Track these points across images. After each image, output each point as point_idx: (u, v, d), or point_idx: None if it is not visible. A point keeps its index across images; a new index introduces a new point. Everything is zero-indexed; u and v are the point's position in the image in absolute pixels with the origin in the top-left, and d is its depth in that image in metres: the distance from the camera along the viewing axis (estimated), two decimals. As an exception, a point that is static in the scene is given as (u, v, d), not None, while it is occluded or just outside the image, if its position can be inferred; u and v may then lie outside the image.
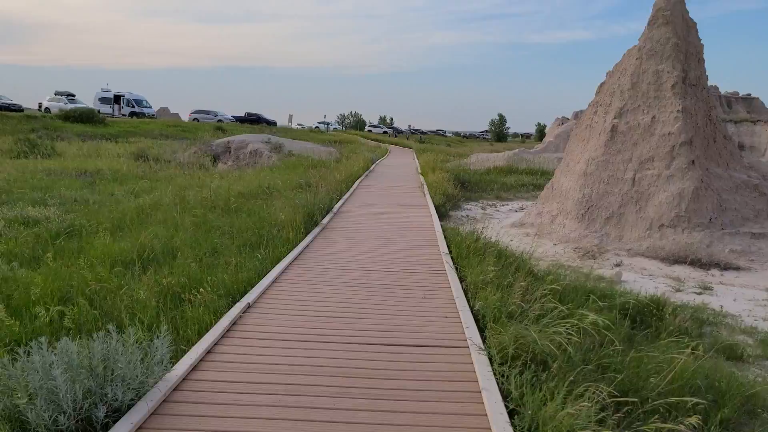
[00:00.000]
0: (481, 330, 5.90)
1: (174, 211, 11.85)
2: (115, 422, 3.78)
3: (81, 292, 6.42)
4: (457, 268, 8.40)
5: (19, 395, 3.72)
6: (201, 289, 6.72)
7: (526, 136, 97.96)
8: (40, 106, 49.33)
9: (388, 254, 9.38)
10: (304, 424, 3.94)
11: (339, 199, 15.28)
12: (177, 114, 66.01)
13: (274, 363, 4.96)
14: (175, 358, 4.84)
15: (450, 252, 9.53)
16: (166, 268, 7.85)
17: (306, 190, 15.39)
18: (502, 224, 14.76)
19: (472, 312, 6.41)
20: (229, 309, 6.20)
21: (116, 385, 3.91)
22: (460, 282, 7.68)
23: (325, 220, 12.19)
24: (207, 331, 5.55)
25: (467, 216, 16.19)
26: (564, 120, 36.22)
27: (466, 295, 7.08)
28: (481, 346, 5.36)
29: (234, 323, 5.85)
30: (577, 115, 35.64)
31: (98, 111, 47.62)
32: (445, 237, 10.89)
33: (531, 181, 24.43)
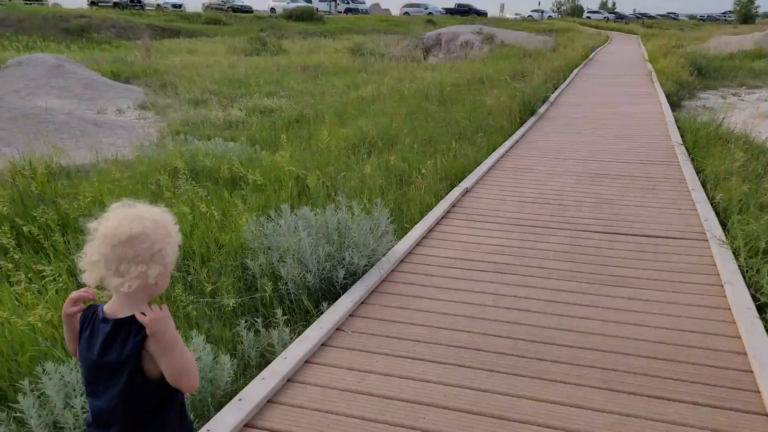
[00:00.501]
0: (723, 223, 5.33)
1: (391, 102, 12.21)
2: (352, 284, 4.13)
3: (313, 171, 6.98)
4: (693, 160, 7.59)
5: (272, 253, 4.21)
6: (423, 171, 6.93)
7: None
8: (272, 10, 52.77)
9: (610, 144, 8.78)
10: (525, 302, 3.95)
11: (556, 89, 14.50)
12: (388, 9, 66.60)
13: (492, 244, 5.00)
14: (399, 235, 5.09)
15: (684, 142, 8.62)
16: (386, 154, 8.20)
17: (521, 80, 14.84)
18: (748, 114, 12.89)
19: (711, 205, 5.80)
20: (448, 192, 6.33)
21: (351, 251, 4.24)
22: (697, 174, 6.94)
23: (542, 110, 11.70)
24: (429, 210, 5.74)
25: (704, 106, 14.41)
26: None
27: (704, 187, 6.40)
28: (723, 239, 4.84)
29: (453, 205, 5.97)
30: None
31: (316, 9, 49.75)
32: (678, 127, 9.86)
33: (786, 66, 20.82)
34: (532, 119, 10.81)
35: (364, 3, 61.44)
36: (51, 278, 4.03)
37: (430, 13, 58.71)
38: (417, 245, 4.97)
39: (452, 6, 63.64)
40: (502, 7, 64.79)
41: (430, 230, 5.30)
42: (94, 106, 13.67)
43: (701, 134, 8.53)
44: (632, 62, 21.97)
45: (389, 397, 2.91)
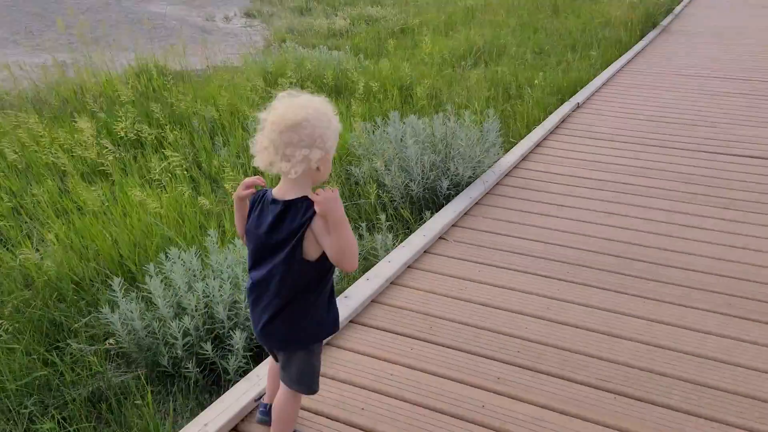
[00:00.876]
0: None
1: (500, 12, 11.63)
2: (456, 195, 4.10)
3: (418, 81, 6.85)
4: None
5: (377, 160, 4.23)
6: (536, 82, 6.65)
7: None
8: None
9: (743, 63, 8.00)
10: (634, 221, 3.78)
11: (681, 1, 13.26)
12: None
13: (604, 161, 4.77)
14: (505, 149, 4.95)
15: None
16: (493, 65, 7.90)
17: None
18: None
19: None
20: (558, 106, 6.04)
21: (457, 162, 4.18)
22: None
23: (665, 22, 10.77)
24: (537, 125, 5.53)
25: None
26: None
27: None
28: None
29: (563, 120, 5.70)
30: None
31: None
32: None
33: None
34: (654, 32, 9.99)
35: None
36: (171, 169, 4.27)
37: None
38: (523, 159, 4.82)
39: None
40: None
41: (538, 145, 5.12)
42: (203, 12, 13.96)
43: None
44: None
45: (491, 306, 2.92)
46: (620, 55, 8.27)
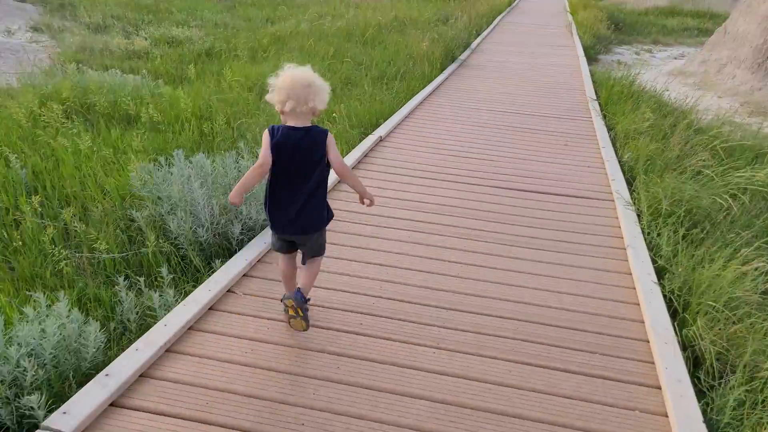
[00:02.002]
0: (629, 183, 5.38)
1: (310, 40, 11.62)
2: (249, 240, 3.84)
3: (220, 112, 6.51)
4: (605, 116, 7.64)
5: (162, 204, 3.85)
6: (334, 115, 6.61)
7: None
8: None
9: (528, 97, 8.72)
10: (431, 263, 3.81)
11: (478, 35, 14.30)
12: None
13: (402, 198, 4.81)
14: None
15: (598, 98, 8.69)
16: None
17: (444, 24, 14.51)
18: (659, 71, 13.22)
19: (619, 163, 5.84)
20: (361, 141, 6.06)
21: (250, 204, 3.93)
22: (608, 131, 6.99)
23: (464, 56, 11.49)
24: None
25: (619, 61, 14.66)
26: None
27: (614, 145, 6.45)
28: (629, 200, 4.87)
29: (365, 155, 5.71)
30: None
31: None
32: (594, 81, 9.93)
33: (696, 25, 21.48)
34: (454, 65, 10.59)
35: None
36: None
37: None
38: (324, 197, 4.70)
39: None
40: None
41: (339, 181, 5.04)
42: (-23, 24, 12.30)
43: (615, 90, 8.61)
44: (554, 13, 22.01)
45: (277, 370, 2.70)
46: (422, 88, 8.60)
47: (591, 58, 13.50)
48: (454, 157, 5.85)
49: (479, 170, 5.55)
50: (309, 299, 2.87)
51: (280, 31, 12.74)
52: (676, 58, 15.84)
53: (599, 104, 8.27)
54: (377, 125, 6.67)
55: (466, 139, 6.47)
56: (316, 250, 2.91)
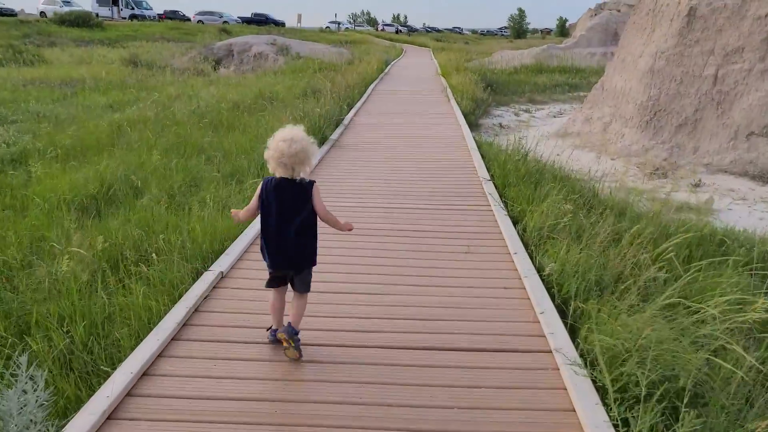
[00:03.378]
0: (560, 310, 3.98)
1: (153, 129, 9.82)
2: None
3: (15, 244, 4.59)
4: (506, 203, 6.38)
5: None
6: (156, 245, 4.86)
7: (546, 32, 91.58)
8: (42, 14, 45.94)
9: (412, 182, 7.39)
10: None
11: (351, 108, 13.12)
12: (189, 17, 60.26)
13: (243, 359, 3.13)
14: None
15: (492, 177, 7.51)
16: (123, 213, 5.97)
17: (313, 98, 13.23)
18: (542, 133, 12.53)
19: (541, 278, 4.47)
20: (192, 284, 4.31)
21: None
22: (514, 224, 5.70)
23: (335, 135, 10.13)
24: (150, 328, 3.68)
25: (500, 124, 13.98)
26: (599, 9, 32.39)
27: (526, 248, 5.11)
28: (577, 359, 3.39)
29: (195, 310, 3.98)
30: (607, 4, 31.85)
31: (96, 14, 44.59)
32: (482, 155, 8.82)
33: (565, 81, 21.83)
34: (324, 148, 9.18)
35: (151, 9, 56.46)
36: None
37: (225, 21, 55.40)
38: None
39: (249, 15, 61.08)
40: (300, 17, 63.08)
41: (145, 373, 3.28)
42: None
43: (507, 167, 7.49)
44: (428, 78, 21.61)
45: None
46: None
47: (472, 123, 12.65)
48: (323, 300, 4.23)
49: (356, 316, 3.98)
50: (298, 332, 3.30)
51: (120, 119, 10.85)
52: (555, 116, 15.49)
53: (495, 186, 7.05)
54: (222, 251, 4.97)
55: (339, 254, 4.90)
56: (307, 284, 3.37)
